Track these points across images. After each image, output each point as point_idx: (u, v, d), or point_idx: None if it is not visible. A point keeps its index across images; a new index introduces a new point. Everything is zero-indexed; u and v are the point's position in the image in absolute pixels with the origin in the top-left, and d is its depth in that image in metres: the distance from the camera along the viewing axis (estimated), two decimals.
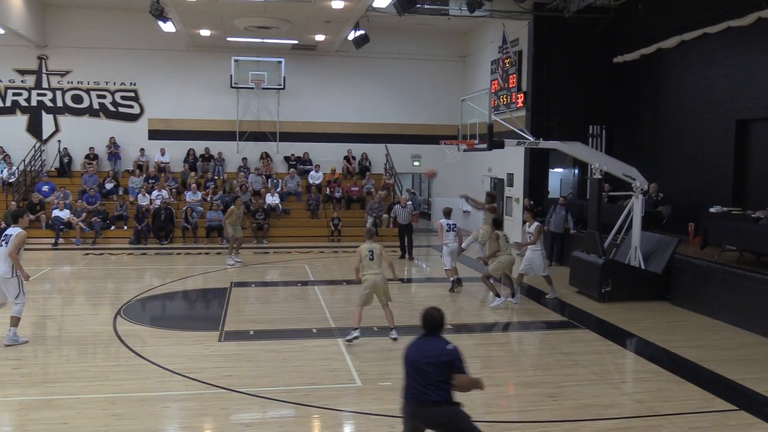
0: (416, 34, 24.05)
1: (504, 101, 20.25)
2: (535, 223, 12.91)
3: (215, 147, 23.77)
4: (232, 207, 17.05)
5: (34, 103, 23.02)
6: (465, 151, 14.82)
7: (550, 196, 19.42)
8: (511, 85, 20.13)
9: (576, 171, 20.20)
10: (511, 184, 20.84)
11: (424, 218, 25.00)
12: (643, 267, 13.00)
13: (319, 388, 7.88)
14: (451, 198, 24.61)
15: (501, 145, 13.67)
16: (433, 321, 5.08)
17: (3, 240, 9.29)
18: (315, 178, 23.48)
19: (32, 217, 19.99)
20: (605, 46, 18.44)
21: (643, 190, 13.30)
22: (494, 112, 18.58)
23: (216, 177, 23.06)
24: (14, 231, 9.33)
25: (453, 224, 13.78)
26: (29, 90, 23.01)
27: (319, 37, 22.02)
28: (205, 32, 21.34)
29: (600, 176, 13.47)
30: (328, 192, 23.05)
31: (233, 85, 23.07)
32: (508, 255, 12.19)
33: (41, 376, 8.22)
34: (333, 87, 24.50)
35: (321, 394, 7.64)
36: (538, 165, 19.30)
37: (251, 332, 10.37)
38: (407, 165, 25.00)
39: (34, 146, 22.74)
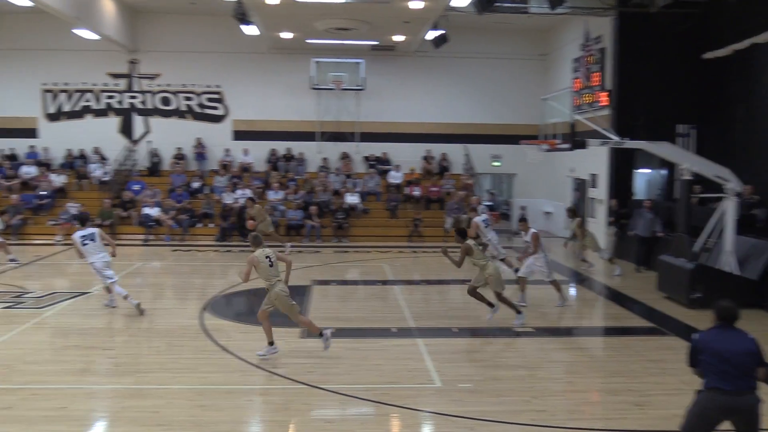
0: (495, 32, 23.80)
1: (587, 100, 19.79)
2: (531, 231, 12.26)
3: (296, 147, 24.23)
4: (258, 206, 17.95)
5: (125, 105, 24.13)
6: (546, 151, 14.55)
7: (635, 198, 18.83)
8: (594, 84, 19.65)
9: (664, 172, 19.48)
10: (594, 185, 20.34)
11: (504, 220, 24.70)
12: (737, 272, 12.42)
13: (399, 387, 7.92)
14: (533, 199, 24.32)
15: (583, 145, 13.39)
16: (731, 312, 5.34)
17: (89, 238, 11.19)
18: (395, 177, 23.59)
19: (124, 213, 21.06)
20: (693, 41, 17.71)
21: (737, 193, 12.71)
22: (576, 111, 18.26)
23: (297, 177, 23.52)
24: (95, 230, 11.47)
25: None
26: (121, 93, 24.13)
27: (398, 38, 22.10)
28: (286, 35, 21.77)
29: (689, 177, 12.98)
30: (407, 192, 23.12)
31: (313, 86, 23.46)
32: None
33: (133, 366, 8.61)
34: (412, 87, 24.56)
35: (400, 393, 7.68)
36: (622, 165, 18.75)
37: (332, 330, 10.51)
38: (486, 165, 24.78)
39: (126, 146, 23.82)
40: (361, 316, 11.75)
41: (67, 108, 24.00)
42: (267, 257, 8.80)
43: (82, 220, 11.96)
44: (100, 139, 23.79)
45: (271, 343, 8.80)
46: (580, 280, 15.25)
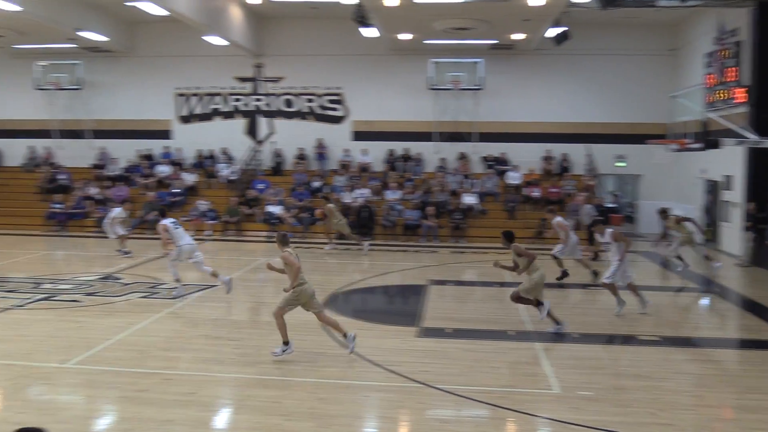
0: (620, 27, 22.88)
1: (720, 97, 18.57)
2: (608, 231, 11.40)
3: (413, 147, 24.37)
4: (331, 205, 18.52)
5: (251, 107, 25.23)
6: (675, 151, 13.90)
7: None
8: (729, 79, 18.42)
9: None
10: (728, 188, 19.08)
11: (628, 222, 23.69)
12: None
13: (515, 391, 7.76)
14: (659, 201, 23.16)
15: (717, 145, 12.63)
16: None
17: (177, 224, 12.78)
18: (513, 178, 23.22)
19: (249, 211, 22.00)
20: None
21: None
22: (709, 108, 17.19)
23: (414, 177, 23.66)
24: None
25: None
26: (247, 96, 25.23)
27: (518, 36, 21.74)
28: (404, 36, 21.96)
29: None
30: (526, 193, 22.68)
31: (431, 86, 23.51)
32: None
33: (257, 357, 8.95)
34: (531, 86, 24.07)
35: (517, 397, 7.52)
36: (762, 166, 17.44)
37: (448, 330, 10.50)
38: (610, 166, 23.88)
39: (252, 147, 24.90)
40: (478, 318, 11.64)
41: (197, 111, 25.41)
42: (296, 257, 8.83)
43: (162, 211, 13.76)
44: (227, 140, 25.00)
45: (286, 343, 8.74)
46: (713, 288, 14.35)
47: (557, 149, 23.91)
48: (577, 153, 23.73)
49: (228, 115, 25.38)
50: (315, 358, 8.87)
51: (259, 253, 18.34)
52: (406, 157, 24.36)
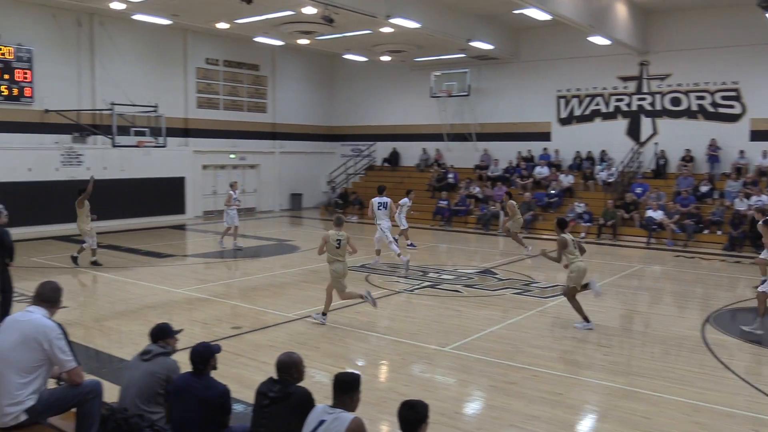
0: None
1: None
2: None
3: None
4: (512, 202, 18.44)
5: (634, 107, 24.20)
6: None
7: None
8: None
9: None
10: None
11: None
12: None
13: None
14: None
15: None
16: None
17: (383, 206, 15.36)
18: None
19: (626, 215, 21.13)
20: None
21: None
22: None
23: None
24: (388, 200, 15.58)
25: None
26: (630, 95, 24.26)
27: None
28: None
29: None
30: None
31: None
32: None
33: (627, 368, 8.58)
34: None
35: None
36: None
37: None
38: None
39: (632, 149, 23.90)
40: None
41: (577, 112, 25.33)
42: (338, 240, 9.94)
43: (380, 189, 15.97)
44: (607, 142, 24.41)
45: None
46: None
47: None
48: None
49: (608, 116, 24.77)
50: (692, 377, 8.13)
51: (635, 260, 17.53)
52: None
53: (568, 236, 10.37)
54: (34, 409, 4.61)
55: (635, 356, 9.16)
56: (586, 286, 10.35)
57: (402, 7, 18.76)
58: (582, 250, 10.48)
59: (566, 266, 10.40)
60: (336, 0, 16.70)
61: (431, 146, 28.92)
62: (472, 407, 7.43)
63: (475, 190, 24.92)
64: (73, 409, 4.83)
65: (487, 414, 7.09)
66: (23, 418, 4.57)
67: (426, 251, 18.86)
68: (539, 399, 7.32)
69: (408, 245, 18.28)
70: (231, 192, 18.57)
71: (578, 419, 7.07)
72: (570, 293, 10.28)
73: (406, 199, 18.14)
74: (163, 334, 5.45)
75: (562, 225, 10.55)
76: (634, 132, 24.27)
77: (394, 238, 15.49)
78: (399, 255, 14.91)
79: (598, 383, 7.96)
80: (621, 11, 21.16)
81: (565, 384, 7.83)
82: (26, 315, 4.78)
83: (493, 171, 26.10)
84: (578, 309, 10.25)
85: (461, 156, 27.75)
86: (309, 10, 18.51)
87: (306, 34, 22.54)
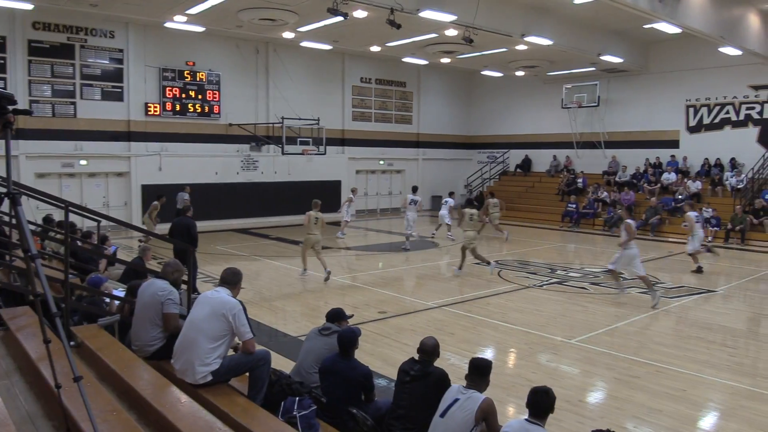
0: None
1: None
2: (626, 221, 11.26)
3: None
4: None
5: (766, 115, 22.10)
6: None
7: None
8: None
9: None
10: None
11: None
12: None
13: None
14: None
15: None
16: None
17: (413, 202, 17.48)
18: None
19: (755, 221, 19.41)
20: None
21: None
22: None
23: None
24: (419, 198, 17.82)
25: None
26: (761, 104, 22.18)
27: None
28: None
29: None
30: None
31: None
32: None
33: (753, 369, 7.95)
34: None
35: None
36: None
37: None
38: None
39: (763, 156, 21.83)
40: None
41: (706, 121, 23.52)
42: (316, 218, 12.71)
43: (414, 189, 17.86)
44: (737, 149, 22.49)
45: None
46: None
47: None
48: None
49: (738, 124, 22.77)
50: None
51: (764, 264, 16.04)
52: None
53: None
54: (218, 372, 5.03)
55: (762, 359, 8.44)
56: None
57: (536, 26, 18.39)
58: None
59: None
60: (476, 22, 16.68)
61: (561, 153, 28.01)
62: (596, 397, 7.20)
63: (603, 194, 23.88)
64: (247, 374, 5.24)
65: (610, 404, 6.84)
66: (210, 378, 5.00)
67: (554, 250, 18.37)
68: (663, 393, 6.96)
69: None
70: (351, 196, 20.47)
71: (702, 415, 6.65)
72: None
73: (450, 199, 20.17)
74: (338, 317, 5.93)
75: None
76: (765, 139, 22.15)
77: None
78: (408, 237, 17.67)
79: (723, 382, 7.43)
80: (753, 21, 19.39)
81: (688, 381, 7.38)
82: (215, 294, 5.24)
83: (621, 177, 24.84)
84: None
85: (590, 162, 26.65)
86: (451, 32, 18.69)
87: (448, 53, 22.74)
